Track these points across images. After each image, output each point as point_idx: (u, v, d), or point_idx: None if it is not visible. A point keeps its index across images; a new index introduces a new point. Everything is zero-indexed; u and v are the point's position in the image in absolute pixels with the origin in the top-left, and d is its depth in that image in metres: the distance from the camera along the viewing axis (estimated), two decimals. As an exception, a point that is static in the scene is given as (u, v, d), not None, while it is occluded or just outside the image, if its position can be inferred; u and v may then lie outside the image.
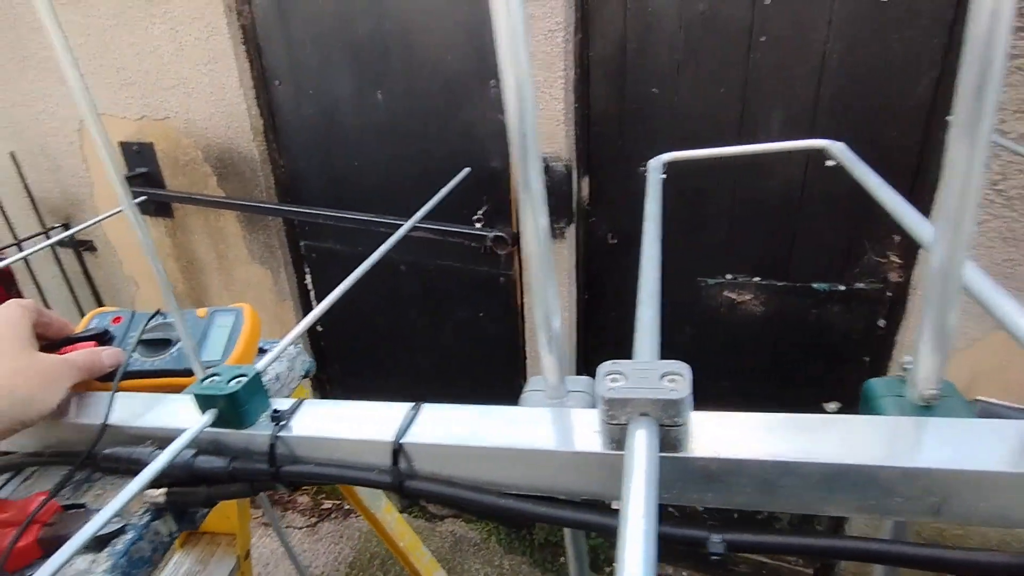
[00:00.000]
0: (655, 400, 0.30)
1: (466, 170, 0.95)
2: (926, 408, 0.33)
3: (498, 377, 2.18)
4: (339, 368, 2.64)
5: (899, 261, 1.54)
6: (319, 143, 2.13)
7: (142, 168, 2.40)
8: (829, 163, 0.67)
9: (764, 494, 0.31)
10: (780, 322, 1.71)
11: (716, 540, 0.32)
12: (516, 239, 1.85)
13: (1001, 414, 0.34)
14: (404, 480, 0.35)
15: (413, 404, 0.38)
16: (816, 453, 0.30)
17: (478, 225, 1.90)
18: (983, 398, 0.36)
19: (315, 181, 2.23)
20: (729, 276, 1.72)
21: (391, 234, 2.09)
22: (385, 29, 1.86)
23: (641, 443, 0.28)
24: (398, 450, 0.35)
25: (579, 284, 1.88)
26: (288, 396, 0.58)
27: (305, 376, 0.72)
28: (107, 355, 0.57)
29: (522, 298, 1.98)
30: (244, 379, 0.40)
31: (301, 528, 2.61)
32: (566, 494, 0.35)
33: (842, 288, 1.61)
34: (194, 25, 2.04)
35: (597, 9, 1.62)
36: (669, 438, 0.31)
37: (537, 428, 0.35)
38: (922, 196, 1.46)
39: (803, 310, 1.67)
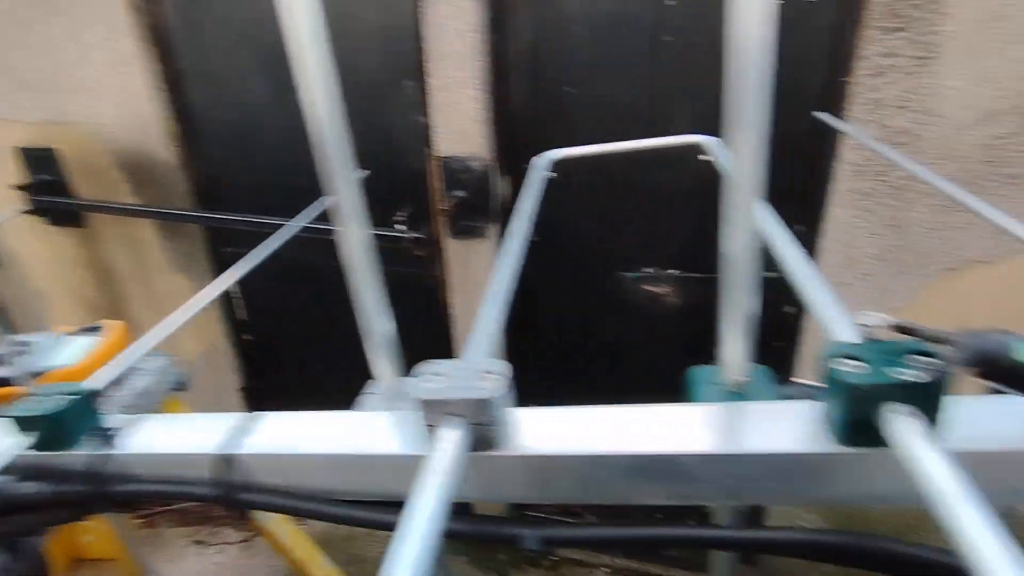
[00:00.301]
0: (466, 400, 0.30)
1: (364, 172, 0.94)
2: (737, 393, 0.35)
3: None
4: (270, 378, 2.56)
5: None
6: (239, 147, 2.07)
7: (45, 175, 2.26)
8: (702, 157, 0.70)
9: (580, 488, 0.32)
10: (697, 313, 1.77)
11: (531, 537, 0.33)
12: (437, 239, 1.84)
13: (808, 395, 0.36)
14: (232, 492, 0.35)
15: (252, 413, 0.38)
16: (624, 445, 0.31)
17: (401, 227, 1.88)
18: (798, 380, 0.39)
19: (236, 186, 2.16)
20: (648, 270, 1.76)
21: (318, 239, 2.05)
22: (298, 29, 1.81)
23: (446, 444, 0.29)
24: (226, 461, 0.34)
25: (505, 283, 1.89)
26: (154, 411, 0.56)
27: (178, 390, 0.69)
28: None
29: (449, 298, 1.98)
30: (68, 398, 0.38)
31: (235, 544, 2.53)
32: (396, 498, 0.35)
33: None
34: (96, 26, 1.93)
35: (509, 10, 1.63)
36: (484, 437, 0.31)
37: (367, 433, 0.35)
38: (818, 185, 1.54)
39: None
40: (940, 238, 1.44)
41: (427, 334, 2.07)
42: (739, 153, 0.28)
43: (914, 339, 0.28)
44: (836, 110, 1.44)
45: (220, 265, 2.34)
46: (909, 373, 0.27)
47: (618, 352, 1.94)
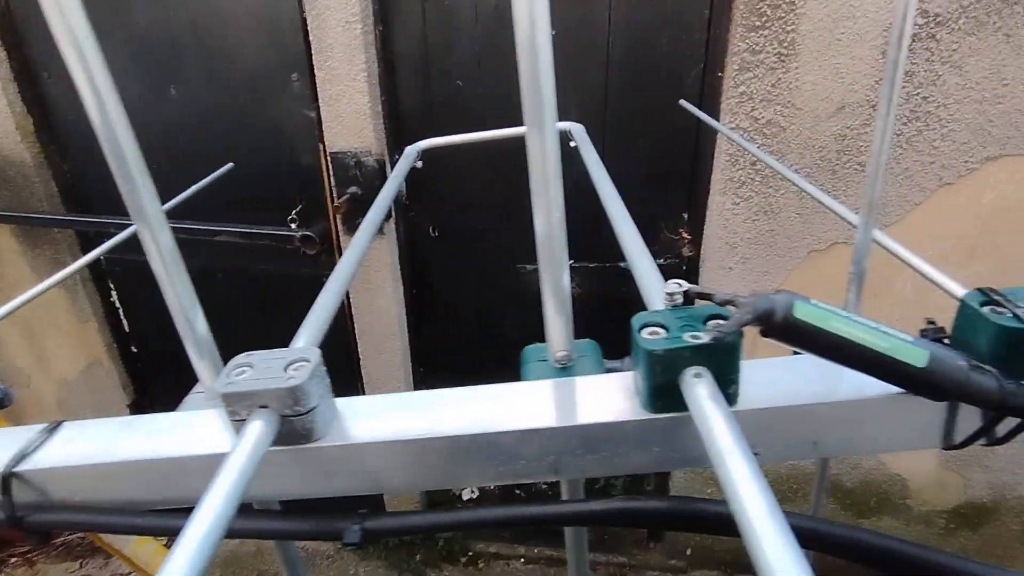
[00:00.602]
0: (270, 390, 0.29)
1: (228, 165, 0.89)
2: (563, 369, 0.35)
3: (334, 382, 2.10)
4: (159, 390, 2.39)
5: (689, 237, 1.70)
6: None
7: None
8: (572, 144, 0.71)
9: (408, 475, 0.32)
10: (595, 301, 1.82)
11: (354, 529, 0.32)
12: (331, 237, 1.78)
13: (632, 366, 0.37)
14: (22, 514, 0.31)
15: (50, 424, 0.34)
16: (447, 427, 0.31)
17: (293, 225, 1.81)
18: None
19: (108, 186, 1.98)
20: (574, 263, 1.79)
21: (203, 240, 1.92)
22: (171, 19, 1.69)
23: (247, 438, 0.27)
24: (8, 479, 0.31)
25: (405, 279, 1.86)
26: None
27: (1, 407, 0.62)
28: None
29: (348, 299, 1.92)
30: None
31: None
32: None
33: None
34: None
35: (395, 1, 1.60)
36: (297, 428, 0.30)
37: (178, 435, 0.33)
38: (700, 174, 1.62)
39: (613, 288, 1.79)
40: (806, 222, 1.55)
41: (330, 336, 2.01)
42: (534, 141, 0.29)
43: (711, 304, 0.29)
44: (714, 103, 1.52)
45: (97, 272, 2.16)
46: (701, 336, 0.28)
47: (520, 344, 1.96)
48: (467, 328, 1.98)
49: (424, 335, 2.00)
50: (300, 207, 1.84)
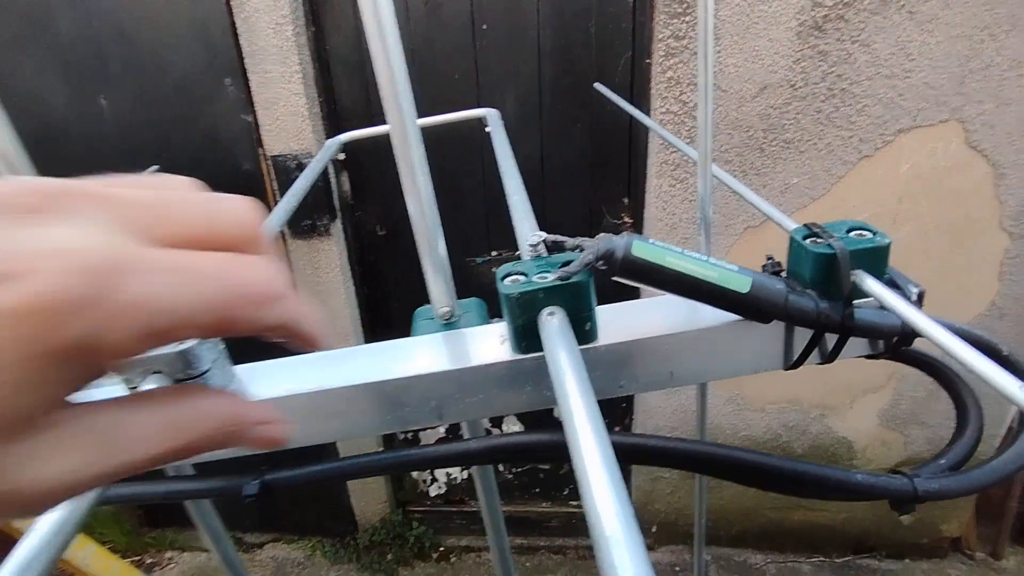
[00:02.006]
0: (161, 356, 0.30)
1: (152, 168, 0.89)
2: (447, 324, 0.38)
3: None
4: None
5: (631, 221, 1.75)
6: (35, 159, 1.84)
7: None
8: (488, 129, 0.74)
9: (302, 427, 0.34)
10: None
11: (252, 483, 0.33)
12: (278, 241, 1.77)
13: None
14: None
15: None
16: (332, 381, 0.33)
17: (238, 232, 1.79)
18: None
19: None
20: (495, 253, 1.82)
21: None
22: (95, 27, 1.66)
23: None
24: None
25: (356, 279, 1.87)
26: None
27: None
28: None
29: (300, 302, 1.91)
30: None
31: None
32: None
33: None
34: None
35: (326, 1, 1.60)
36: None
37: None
38: (637, 156, 1.67)
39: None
40: (740, 201, 1.61)
41: (277, 346, 1.99)
42: (395, 123, 0.31)
43: (566, 252, 0.32)
44: (644, 89, 1.57)
45: None
46: (551, 278, 0.31)
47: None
48: (422, 324, 2.00)
49: (380, 334, 2.01)
50: (244, 213, 1.82)
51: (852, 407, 1.90)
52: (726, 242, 1.69)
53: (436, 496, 2.32)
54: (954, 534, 2.17)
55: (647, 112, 1.54)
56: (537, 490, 2.24)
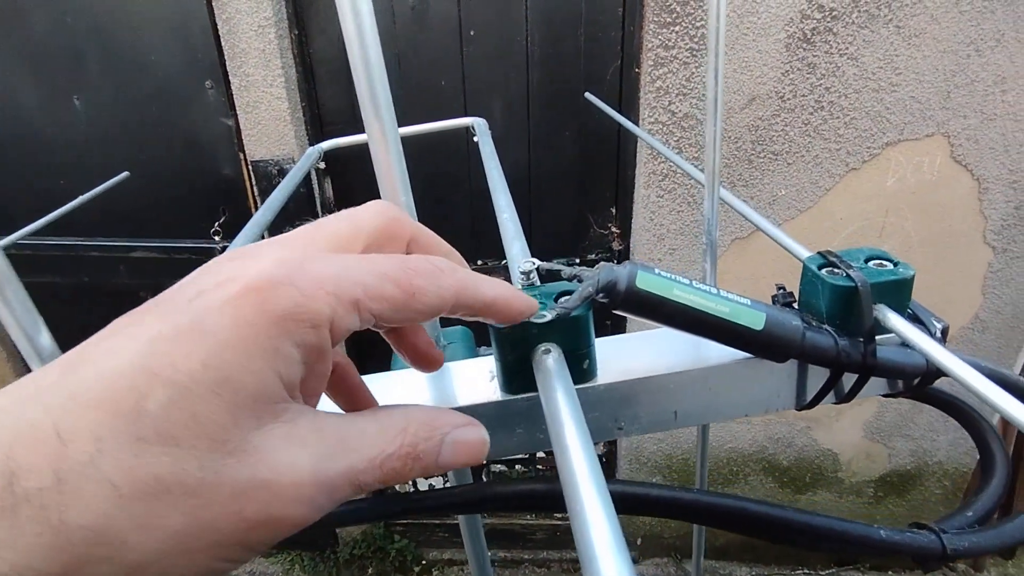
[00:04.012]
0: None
1: (123, 174, 0.85)
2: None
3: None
4: None
5: (618, 231, 1.73)
6: (8, 160, 1.78)
7: None
8: (475, 139, 0.71)
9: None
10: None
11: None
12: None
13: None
14: None
15: None
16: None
17: (216, 237, 1.74)
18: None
19: (12, 204, 1.87)
20: (480, 262, 1.79)
21: (120, 257, 1.83)
22: (69, 24, 1.61)
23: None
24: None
25: (338, 288, 1.82)
26: None
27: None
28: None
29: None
30: None
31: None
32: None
33: (578, 261, 1.77)
34: None
35: (310, 4, 1.57)
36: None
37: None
38: (625, 166, 1.65)
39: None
40: (728, 211, 1.60)
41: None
42: (374, 133, 0.28)
43: (561, 281, 0.29)
44: (633, 99, 1.55)
45: None
46: (548, 313, 0.28)
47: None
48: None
49: (364, 350, 1.96)
50: (224, 218, 1.78)
51: (838, 419, 1.90)
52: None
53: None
54: (937, 546, 2.17)
55: (635, 123, 1.52)
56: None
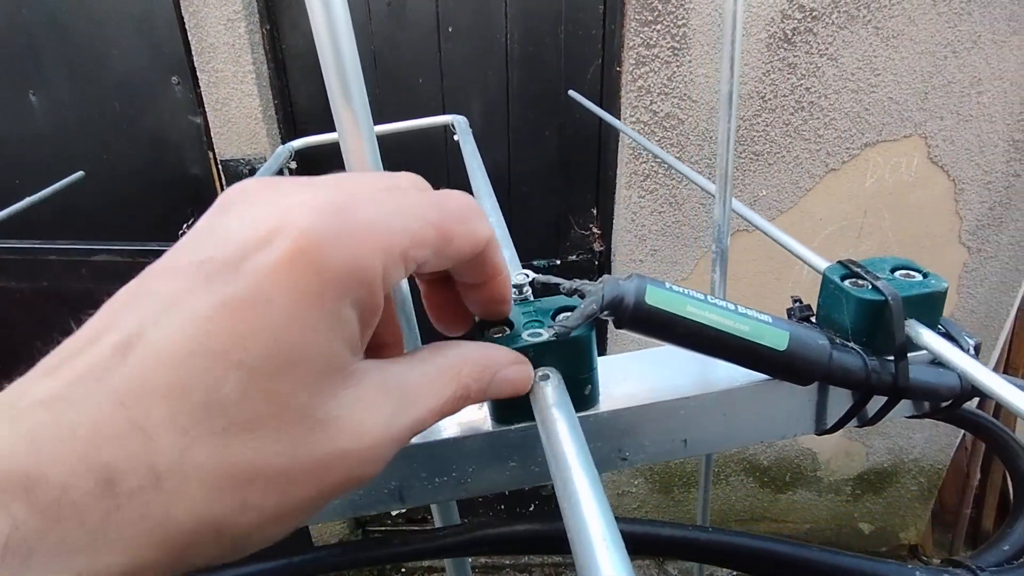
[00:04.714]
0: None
1: (78, 174, 0.79)
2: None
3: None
4: None
5: (599, 232, 1.71)
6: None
7: None
8: (456, 137, 0.68)
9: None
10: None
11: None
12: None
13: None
14: None
15: None
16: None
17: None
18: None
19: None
20: (459, 264, 1.75)
21: (80, 261, 1.74)
22: (24, 16, 1.53)
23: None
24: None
25: (313, 291, 1.77)
26: None
27: None
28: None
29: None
30: None
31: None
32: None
33: (559, 262, 1.74)
34: None
35: (281, -3, 1.51)
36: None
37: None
38: (606, 166, 1.63)
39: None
40: (710, 211, 1.59)
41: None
42: (347, 131, 0.24)
43: (559, 295, 0.26)
44: (614, 98, 1.53)
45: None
46: (543, 333, 0.24)
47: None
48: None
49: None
50: (192, 220, 1.71)
51: (818, 420, 1.90)
52: (695, 254, 1.66)
53: (397, 515, 2.23)
54: (912, 541, 2.20)
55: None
56: (501, 506, 2.17)
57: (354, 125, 0.25)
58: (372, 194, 0.19)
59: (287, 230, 0.17)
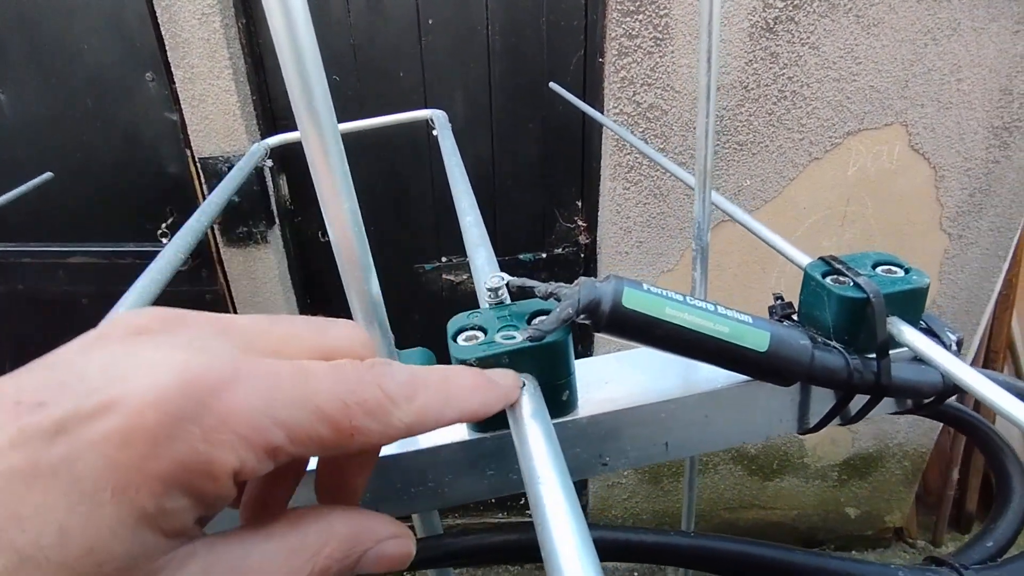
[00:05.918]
0: None
1: (46, 175, 0.77)
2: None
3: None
4: None
5: (584, 225, 1.70)
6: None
7: None
8: (435, 132, 0.66)
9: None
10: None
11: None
12: (209, 250, 1.64)
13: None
14: None
15: None
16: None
17: (164, 240, 1.65)
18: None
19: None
20: (444, 259, 1.74)
21: (56, 263, 1.72)
22: (-10, 11, 1.49)
23: None
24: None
25: (297, 288, 1.75)
26: None
27: None
28: None
29: (235, 313, 1.78)
30: None
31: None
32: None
33: (544, 256, 1.73)
34: None
35: (256, -10, 1.48)
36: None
37: None
38: (590, 159, 1.62)
39: (515, 281, 1.76)
40: (677, 208, 1.59)
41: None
42: (308, 131, 0.23)
43: (535, 298, 0.25)
44: (597, 89, 1.52)
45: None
46: (517, 337, 0.24)
47: (428, 342, 1.90)
48: (368, 335, 1.89)
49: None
50: (171, 219, 1.68)
51: (804, 407, 1.92)
52: (680, 245, 1.66)
53: (387, 512, 2.22)
54: (897, 524, 2.23)
55: (600, 113, 1.49)
56: (492, 500, 2.17)
57: (313, 123, 0.24)
58: (260, 374, 0.16)
59: (130, 402, 0.14)
